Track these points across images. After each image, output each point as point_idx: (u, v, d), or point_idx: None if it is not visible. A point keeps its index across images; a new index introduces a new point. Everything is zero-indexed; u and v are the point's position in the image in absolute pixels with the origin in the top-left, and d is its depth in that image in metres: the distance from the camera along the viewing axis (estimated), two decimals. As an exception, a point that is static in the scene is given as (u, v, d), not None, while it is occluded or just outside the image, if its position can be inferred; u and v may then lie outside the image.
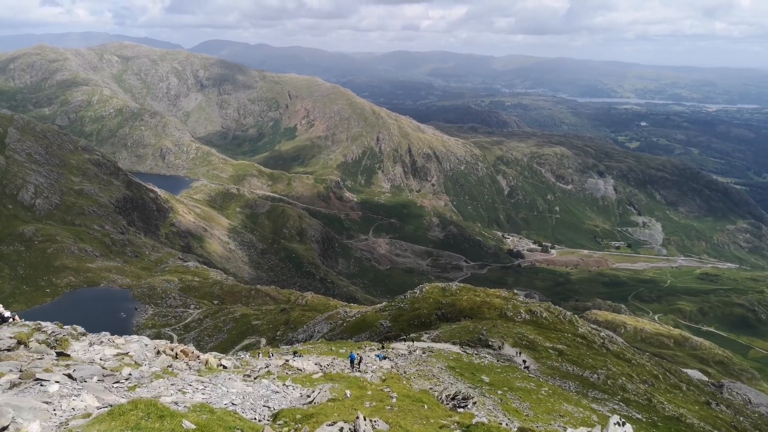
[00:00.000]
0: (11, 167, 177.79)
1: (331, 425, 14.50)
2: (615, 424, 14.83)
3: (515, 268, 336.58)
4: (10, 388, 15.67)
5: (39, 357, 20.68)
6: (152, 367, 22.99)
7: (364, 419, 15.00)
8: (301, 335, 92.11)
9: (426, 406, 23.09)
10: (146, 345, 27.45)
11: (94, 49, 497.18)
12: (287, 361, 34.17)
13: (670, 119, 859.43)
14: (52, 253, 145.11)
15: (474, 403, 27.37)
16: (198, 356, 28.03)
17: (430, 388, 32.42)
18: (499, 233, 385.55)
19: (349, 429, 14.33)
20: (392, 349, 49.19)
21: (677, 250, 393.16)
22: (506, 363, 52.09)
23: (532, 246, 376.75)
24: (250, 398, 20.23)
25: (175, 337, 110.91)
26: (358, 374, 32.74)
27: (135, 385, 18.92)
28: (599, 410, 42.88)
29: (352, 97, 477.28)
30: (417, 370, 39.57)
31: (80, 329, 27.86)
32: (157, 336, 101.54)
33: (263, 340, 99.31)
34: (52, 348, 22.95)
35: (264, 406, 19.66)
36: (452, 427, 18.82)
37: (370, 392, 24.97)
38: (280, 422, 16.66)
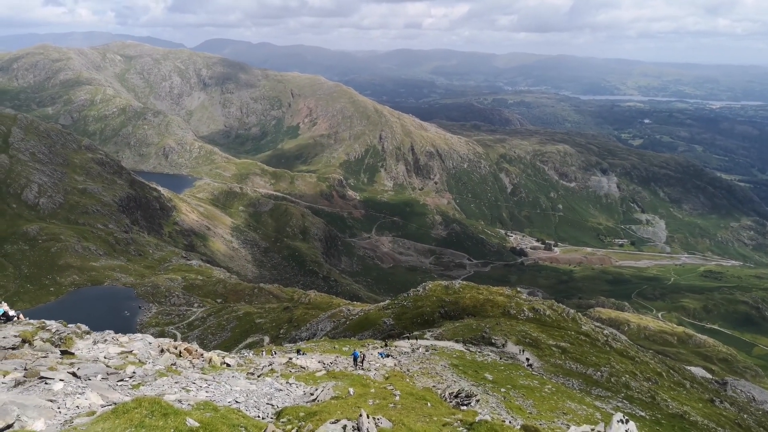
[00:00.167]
0: (15, 166, 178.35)
1: (335, 423, 14.52)
2: (618, 421, 14.82)
3: (518, 266, 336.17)
4: (14, 387, 15.74)
5: (43, 355, 20.75)
6: (156, 365, 23.06)
7: (368, 417, 15.02)
8: (305, 333, 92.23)
9: (429, 404, 23.10)
10: (150, 343, 27.53)
11: (97, 48, 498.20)
12: (290, 359, 34.22)
13: (673, 116, 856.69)
14: (56, 252, 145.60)
15: (477, 400, 27.37)
16: (202, 354, 28.11)
17: (434, 386, 32.44)
18: (502, 231, 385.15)
19: (353, 427, 14.35)
20: (395, 347, 49.22)
21: (681, 247, 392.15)
22: (509, 361, 52.08)
23: (535, 244, 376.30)
24: (253, 396, 20.26)
25: (179, 335, 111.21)
26: (361, 372, 32.77)
27: (139, 383, 18.98)
28: (603, 408, 42.85)
29: (354, 96, 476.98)
30: (420, 368, 39.59)
31: (84, 328, 27.95)
32: (161, 334, 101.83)
33: (266, 339, 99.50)
34: (56, 346, 23.04)
35: (267, 403, 19.70)
36: (455, 424, 18.83)
37: (373, 390, 24.99)
38: (284, 420, 16.69)
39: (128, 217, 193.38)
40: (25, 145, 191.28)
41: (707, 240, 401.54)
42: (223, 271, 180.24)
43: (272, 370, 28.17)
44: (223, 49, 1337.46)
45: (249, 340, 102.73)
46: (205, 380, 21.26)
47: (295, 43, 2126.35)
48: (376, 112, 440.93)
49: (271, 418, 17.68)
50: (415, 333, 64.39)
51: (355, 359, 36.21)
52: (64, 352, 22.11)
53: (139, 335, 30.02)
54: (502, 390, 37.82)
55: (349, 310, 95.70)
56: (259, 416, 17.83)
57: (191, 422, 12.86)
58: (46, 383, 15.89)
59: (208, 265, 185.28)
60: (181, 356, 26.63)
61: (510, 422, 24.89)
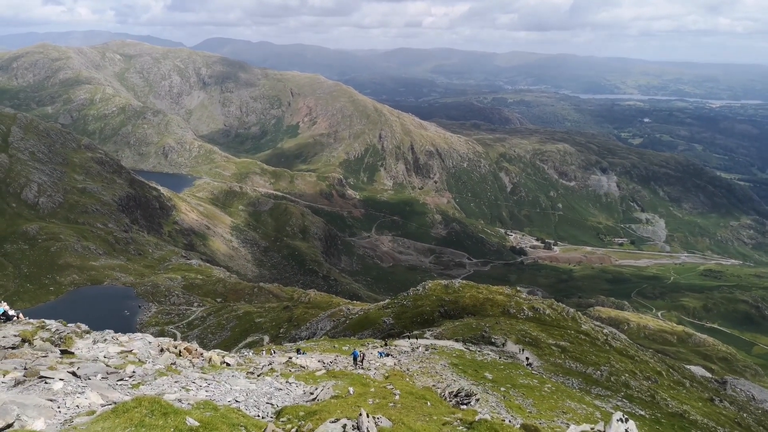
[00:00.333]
0: (15, 166, 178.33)
1: (335, 422, 14.53)
2: (618, 420, 14.83)
3: (518, 265, 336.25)
4: (14, 386, 15.74)
5: (43, 355, 20.76)
6: (156, 364, 23.07)
7: (367, 416, 15.03)
8: (304, 333, 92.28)
9: (429, 403, 23.11)
10: (150, 343, 27.54)
11: (97, 47, 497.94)
12: (290, 358, 34.23)
13: (673, 115, 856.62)
14: (55, 251, 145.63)
15: (477, 400, 27.38)
16: (201, 354, 28.12)
17: (433, 385, 32.46)
18: (502, 230, 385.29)
19: (353, 426, 14.36)
20: (395, 346, 49.24)
21: (681, 246, 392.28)
22: (509, 360, 52.11)
23: (535, 243, 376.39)
24: (253, 395, 20.28)
25: (179, 334, 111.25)
26: (361, 371, 32.79)
27: (139, 383, 18.99)
28: (602, 407, 42.88)
29: (354, 95, 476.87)
30: (420, 367, 39.61)
31: (84, 327, 27.95)
32: (161, 334, 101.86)
33: (266, 338, 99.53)
34: (56, 346, 23.04)
35: (267, 403, 19.71)
36: (455, 424, 18.84)
37: (373, 389, 25.01)
38: (284, 419, 16.70)
39: (128, 217, 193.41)
40: (25, 144, 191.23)
41: (707, 239, 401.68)
42: (223, 271, 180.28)
43: (272, 370, 28.18)
44: (223, 48, 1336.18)
45: (249, 339, 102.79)
46: (205, 379, 21.28)
47: (295, 42, 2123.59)
48: (375, 111, 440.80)
49: (271, 417, 17.69)
50: (415, 332, 64.40)
51: (354, 358, 36.22)
52: (63, 352, 22.12)
53: (138, 335, 30.03)
54: (502, 389, 37.84)
55: (348, 309, 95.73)
56: (258, 415, 17.85)
57: (191, 421, 12.87)
58: (46, 383, 15.90)
59: (208, 264, 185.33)
60: (180, 355, 26.64)
61: (510, 421, 24.90)
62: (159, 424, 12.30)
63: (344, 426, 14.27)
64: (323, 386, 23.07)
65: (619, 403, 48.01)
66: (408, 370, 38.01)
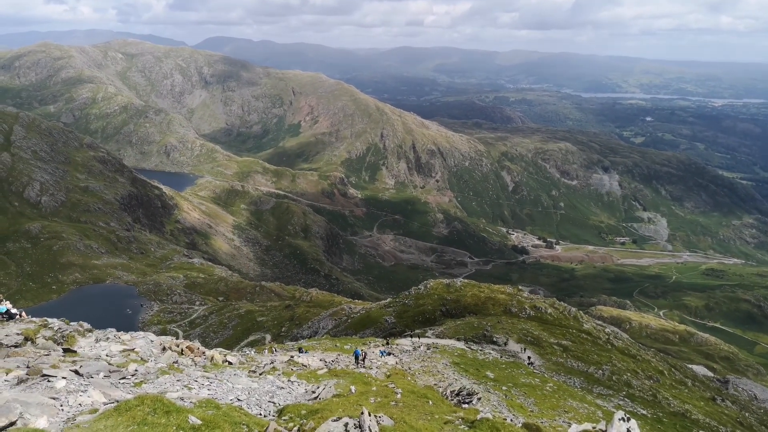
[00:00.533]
0: (17, 164, 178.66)
1: (336, 421, 14.54)
2: (620, 419, 14.82)
3: (520, 264, 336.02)
4: (17, 384, 15.79)
5: (46, 353, 20.82)
6: (158, 363, 23.12)
7: (369, 415, 15.04)
8: (306, 331, 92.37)
9: (431, 402, 23.12)
10: (152, 341, 27.59)
11: (99, 46, 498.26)
12: (292, 357, 34.27)
13: (675, 114, 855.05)
14: (58, 250, 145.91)
15: (479, 399, 27.39)
16: (203, 352, 28.16)
17: (435, 384, 32.48)
18: (504, 229, 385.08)
19: (354, 424, 14.37)
20: (397, 345, 49.27)
21: (683, 245, 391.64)
22: (511, 359, 52.10)
23: (537, 242, 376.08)
24: (255, 394, 20.31)
25: (181, 333, 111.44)
26: (362, 370, 32.82)
27: (141, 381, 19.03)
28: (604, 406, 42.86)
29: (356, 94, 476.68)
30: (421, 366, 39.63)
31: (86, 326, 28.01)
32: (163, 332, 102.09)
33: (268, 337, 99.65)
34: (58, 344, 23.10)
35: (269, 401, 19.74)
36: (457, 422, 18.85)
37: (374, 388, 25.03)
38: (286, 417, 16.72)
39: (130, 215, 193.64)
40: (27, 143, 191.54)
41: (709, 238, 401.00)
42: (225, 269, 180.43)
43: (274, 368, 28.21)
44: (225, 47, 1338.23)
45: (251, 338, 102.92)
46: (207, 378, 21.31)
47: (297, 41, 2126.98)
48: (377, 110, 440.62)
49: (273, 415, 17.72)
50: (417, 331, 64.42)
51: (356, 357, 36.26)
52: (66, 350, 22.17)
53: (141, 333, 30.08)
54: (504, 388, 37.84)
55: (350, 308, 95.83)
56: (260, 414, 17.87)
57: (193, 420, 12.90)
58: (48, 381, 15.94)
59: (210, 263, 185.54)
60: (183, 354, 26.69)
61: (511, 420, 24.91)
62: (161, 422, 12.34)
63: (346, 425, 14.28)
64: (325, 385, 23.10)
65: (620, 403, 47.99)
66: (410, 368, 38.04)
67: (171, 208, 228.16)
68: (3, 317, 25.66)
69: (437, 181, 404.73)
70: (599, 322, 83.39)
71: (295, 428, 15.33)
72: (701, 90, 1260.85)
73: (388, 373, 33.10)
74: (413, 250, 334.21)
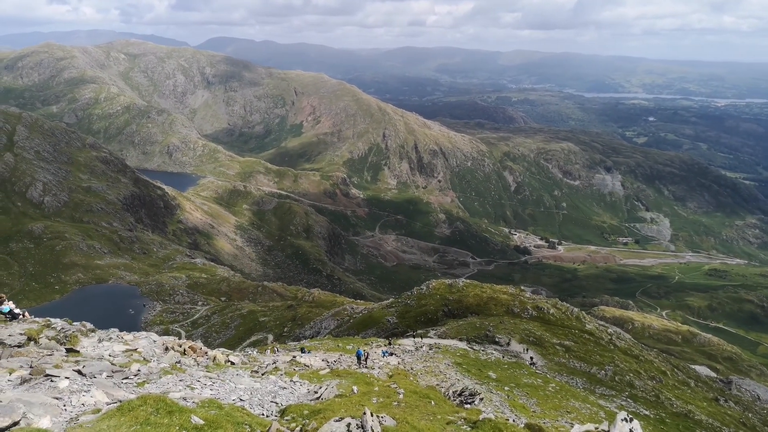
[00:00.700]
0: (20, 165, 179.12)
1: (339, 421, 14.54)
2: (622, 420, 14.79)
3: (522, 264, 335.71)
4: (20, 384, 15.82)
5: (49, 353, 20.85)
6: (161, 363, 23.14)
7: (371, 415, 15.03)
8: (308, 332, 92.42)
9: (433, 402, 23.12)
10: (155, 341, 27.62)
11: (101, 46, 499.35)
12: (294, 357, 34.28)
13: (678, 114, 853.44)
14: (60, 250, 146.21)
15: (481, 399, 27.37)
16: (206, 352, 28.19)
17: (437, 385, 32.47)
18: (506, 229, 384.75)
19: (357, 425, 14.37)
20: (399, 345, 49.25)
21: (685, 245, 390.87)
22: (513, 359, 52.05)
23: (539, 242, 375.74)
24: (257, 394, 20.31)
25: (183, 333, 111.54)
26: (365, 370, 32.82)
27: (144, 381, 19.05)
28: (607, 407, 42.79)
29: (358, 94, 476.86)
30: (424, 367, 39.62)
31: (89, 326, 28.06)
32: (166, 332, 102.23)
33: (270, 337, 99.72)
34: (61, 344, 23.13)
35: (272, 401, 19.75)
36: (459, 423, 18.84)
37: (377, 388, 25.03)
38: (288, 418, 16.73)
39: (132, 216, 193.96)
40: (30, 143, 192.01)
41: (712, 238, 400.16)
42: (227, 270, 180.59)
43: (276, 369, 28.22)
44: (227, 48, 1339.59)
45: (253, 338, 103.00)
46: (210, 378, 21.33)
47: (299, 41, 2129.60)
48: (379, 110, 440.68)
49: (276, 415, 17.72)
50: (419, 331, 64.40)
51: (358, 357, 36.26)
52: (69, 350, 22.20)
53: (143, 333, 30.13)
54: (506, 388, 37.81)
55: (352, 308, 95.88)
56: (263, 414, 17.88)
57: (196, 420, 12.91)
58: (51, 381, 15.97)
59: (212, 263, 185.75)
60: (185, 354, 26.72)
61: (514, 421, 24.88)
62: (164, 422, 12.35)
63: (348, 425, 14.28)
64: (327, 385, 23.10)
65: (623, 403, 47.91)
66: (412, 369, 38.03)
67: (173, 208, 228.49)
68: (6, 317, 25.70)
69: (439, 181, 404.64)
70: (602, 323, 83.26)
71: (298, 428, 15.33)
72: (704, 90, 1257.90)
73: (391, 374, 33.10)
74: (415, 251, 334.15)
